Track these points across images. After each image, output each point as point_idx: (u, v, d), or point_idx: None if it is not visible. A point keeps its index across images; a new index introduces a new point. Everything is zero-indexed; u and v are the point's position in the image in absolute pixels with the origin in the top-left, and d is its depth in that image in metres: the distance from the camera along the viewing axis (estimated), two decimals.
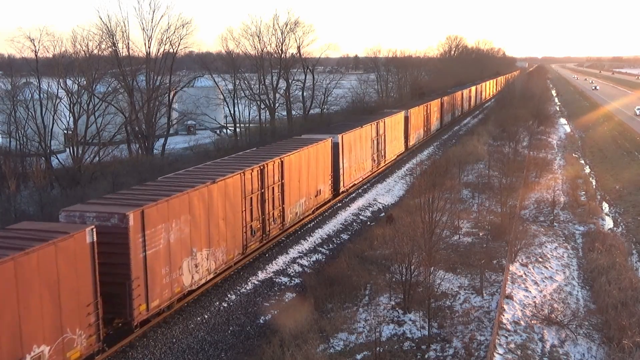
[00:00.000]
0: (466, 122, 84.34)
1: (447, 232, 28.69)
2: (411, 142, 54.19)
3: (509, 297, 22.53)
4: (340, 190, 35.43)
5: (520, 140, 58.77)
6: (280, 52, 63.54)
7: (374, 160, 42.32)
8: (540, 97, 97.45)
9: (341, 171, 35.16)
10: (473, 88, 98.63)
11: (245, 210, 23.56)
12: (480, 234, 30.68)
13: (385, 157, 44.98)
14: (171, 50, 51.84)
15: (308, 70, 67.27)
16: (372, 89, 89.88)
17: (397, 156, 49.41)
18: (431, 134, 64.24)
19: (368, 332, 19.76)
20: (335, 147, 34.11)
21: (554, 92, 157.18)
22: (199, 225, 20.20)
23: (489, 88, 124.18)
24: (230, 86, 62.74)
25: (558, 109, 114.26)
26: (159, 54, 51.35)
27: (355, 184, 38.34)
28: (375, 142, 42.03)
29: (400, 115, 50.27)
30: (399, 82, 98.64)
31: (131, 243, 17.02)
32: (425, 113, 60.13)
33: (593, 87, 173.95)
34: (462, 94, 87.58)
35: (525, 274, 25.65)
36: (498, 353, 18.34)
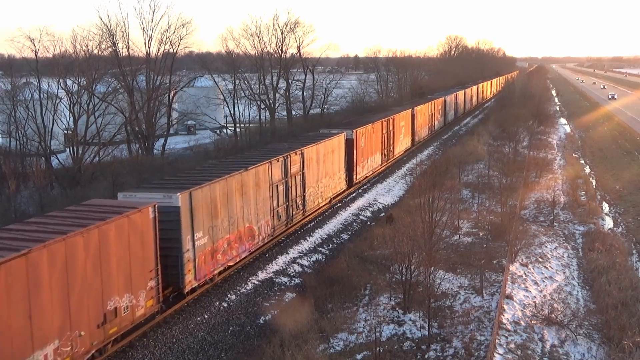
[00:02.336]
0: (466, 122, 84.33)
1: (447, 232, 28.68)
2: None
3: (509, 297, 22.53)
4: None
5: (520, 140, 58.76)
6: (280, 52, 63.57)
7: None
8: (540, 97, 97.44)
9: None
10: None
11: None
12: (480, 234, 30.68)
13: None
14: (171, 50, 51.90)
15: (308, 70, 67.26)
16: (372, 89, 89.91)
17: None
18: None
19: (368, 332, 19.76)
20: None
21: (554, 92, 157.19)
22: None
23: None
24: (230, 86, 62.75)
25: (558, 109, 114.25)
26: (159, 54, 51.39)
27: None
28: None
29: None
30: (399, 82, 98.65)
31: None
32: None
33: (610, 96, 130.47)
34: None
35: (525, 274, 25.64)
36: (498, 353, 18.33)
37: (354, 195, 37.70)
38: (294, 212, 28.46)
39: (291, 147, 29.68)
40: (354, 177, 37.40)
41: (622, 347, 19.01)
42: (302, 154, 29.13)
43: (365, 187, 39.61)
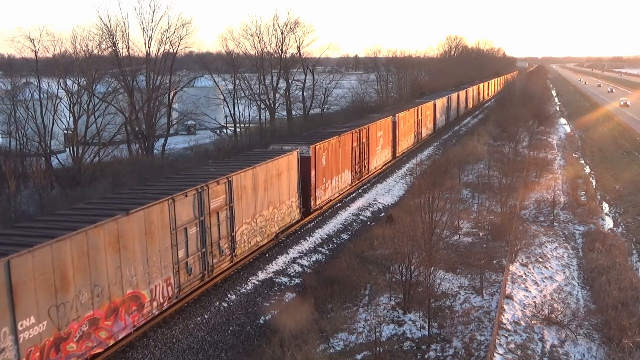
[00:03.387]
0: (466, 122, 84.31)
1: (447, 232, 28.69)
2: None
3: (509, 297, 22.53)
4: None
5: (520, 140, 58.75)
6: (280, 52, 63.57)
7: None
8: (540, 97, 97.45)
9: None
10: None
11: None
12: (480, 234, 30.68)
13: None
14: (171, 50, 51.85)
15: (308, 70, 67.26)
16: (372, 89, 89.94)
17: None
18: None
19: (368, 332, 19.76)
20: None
21: (554, 92, 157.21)
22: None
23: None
24: (230, 86, 62.75)
25: (558, 109, 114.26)
26: (159, 54, 51.35)
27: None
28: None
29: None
30: (399, 82, 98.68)
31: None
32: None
33: (622, 102, 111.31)
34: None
35: (525, 274, 25.65)
36: (498, 353, 18.34)
37: (339, 205, 34.12)
38: (215, 261, 21.73)
39: (216, 173, 22.86)
40: (312, 203, 30.56)
41: (622, 347, 19.02)
42: (229, 182, 22.41)
43: (329, 212, 33.00)
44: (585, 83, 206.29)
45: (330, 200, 33.67)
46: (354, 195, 37.58)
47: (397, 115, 48.30)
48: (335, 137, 33.81)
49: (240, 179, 23.24)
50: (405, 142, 51.44)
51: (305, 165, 29.56)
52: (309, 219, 30.80)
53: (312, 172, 30.29)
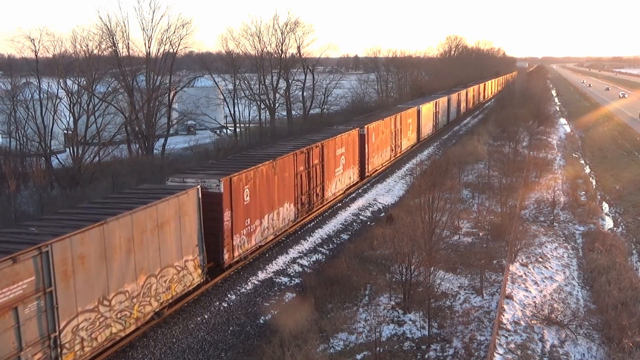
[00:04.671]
0: (466, 122, 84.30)
1: (447, 232, 28.67)
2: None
3: (509, 297, 22.53)
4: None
5: (520, 140, 58.75)
6: (280, 52, 63.63)
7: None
8: (540, 97, 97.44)
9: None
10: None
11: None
12: (480, 234, 30.67)
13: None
14: (171, 50, 51.89)
15: (308, 70, 67.29)
16: (372, 89, 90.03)
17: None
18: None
19: (368, 332, 19.76)
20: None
21: (554, 92, 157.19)
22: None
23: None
24: (230, 86, 62.78)
25: (558, 109, 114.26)
26: (159, 54, 51.39)
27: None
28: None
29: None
30: (399, 82, 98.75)
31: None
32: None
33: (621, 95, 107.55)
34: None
35: (525, 274, 25.65)
36: (498, 353, 18.34)
37: (339, 205, 32.52)
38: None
39: (22, 239, 14.67)
40: (226, 255, 22.43)
41: (622, 347, 19.02)
42: (44, 255, 14.34)
43: (352, 196, 31.55)
44: (590, 85, 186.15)
45: (261, 247, 25.56)
46: (354, 195, 37.49)
47: (366, 126, 39.70)
48: (267, 162, 25.43)
49: (71, 246, 15.12)
50: (379, 158, 43.07)
51: (213, 204, 21.57)
52: (221, 279, 22.59)
53: (226, 214, 22.36)
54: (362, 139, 38.79)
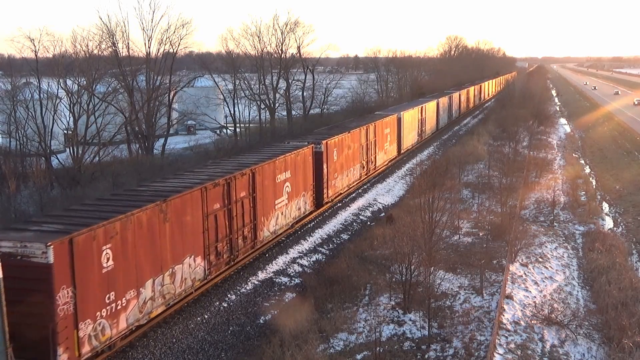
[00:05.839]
0: (466, 122, 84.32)
1: (447, 232, 28.68)
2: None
3: (509, 297, 22.53)
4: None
5: (520, 140, 58.79)
6: (280, 52, 63.66)
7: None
8: (540, 97, 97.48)
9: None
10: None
11: None
12: (480, 234, 30.68)
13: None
14: (171, 50, 51.92)
15: (308, 70, 67.32)
16: (372, 89, 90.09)
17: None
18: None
19: (368, 332, 19.76)
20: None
21: (554, 92, 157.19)
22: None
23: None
24: (230, 86, 62.82)
25: (558, 109, 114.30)
26: (159, 54, 51.41)
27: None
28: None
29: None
30: (399, 82, 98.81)
31: None
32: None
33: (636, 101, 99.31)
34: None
35: (525, 274, 25.65)
36: (498, 353, 18.34)
37: (339, 204, 32.28)
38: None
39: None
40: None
41: (622, 347, 19.02)
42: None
43: (352, 196, 30.10)
44: (595, 88, 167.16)
45: (142, 326, 18.13)
46: (354, 195, 37.50)
47: (324, 142, 31.49)
48: (149, 205, 17.86)
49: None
50: (343, 179, 34.72)
51: (35, 282, 14.69)
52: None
53: (62, 294, 14.51)
54: (319, 158, 30.90)
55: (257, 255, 25.12)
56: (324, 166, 31.52)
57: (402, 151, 49.39)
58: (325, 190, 31.72)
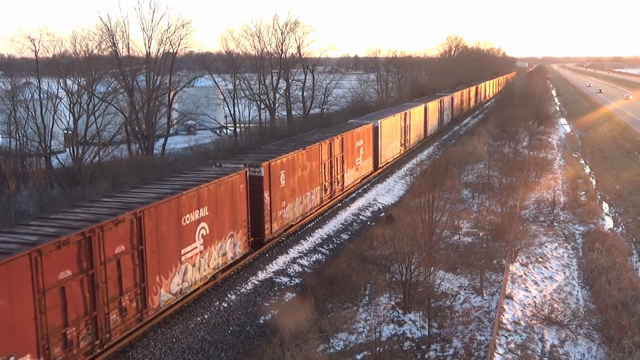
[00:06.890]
0: (466, 122, 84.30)
1: (447, 232, 28.68)
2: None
3: (509, 297, 22.53)
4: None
5: (520, 140, 58.75)
6: (280, 52, 63.75)
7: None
8: (540, 97, 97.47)
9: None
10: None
11: None
12: (480, 234, 30.67)
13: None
14: (171, 50, 52.00)
15: (308, 70, 67.38)
16: (372, 89, 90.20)
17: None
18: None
19: (368, 332, 19.76)
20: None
21: (554, 92, 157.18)
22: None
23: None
24: (230, 86, 62.89)
25: (558, 109, 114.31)
26: (159, 54, 51.49)
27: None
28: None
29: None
30: (399, 82, 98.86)
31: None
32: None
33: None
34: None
35: (525, 274, 25.64)
36: (498, 353, 18.34)
37: (339, 204, 33.06)
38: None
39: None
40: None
41: (622, 347, 19.02)
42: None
43: (354, 194, 31.01)
44: (601, 91, 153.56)
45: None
46: (354, 195, 37.50)
47: (265, 164, 25.16)
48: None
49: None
50: (293, 210, 28.31)
51: (256, 186, 25.00)
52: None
53: (266, 193, 25.41)
54: (257, 184, 24.76)
55: (147, 330, 18.47)
56: (265, 194, 25.22)
57: (380, 165, 43.04)
58: (267, 225, 25.51)
